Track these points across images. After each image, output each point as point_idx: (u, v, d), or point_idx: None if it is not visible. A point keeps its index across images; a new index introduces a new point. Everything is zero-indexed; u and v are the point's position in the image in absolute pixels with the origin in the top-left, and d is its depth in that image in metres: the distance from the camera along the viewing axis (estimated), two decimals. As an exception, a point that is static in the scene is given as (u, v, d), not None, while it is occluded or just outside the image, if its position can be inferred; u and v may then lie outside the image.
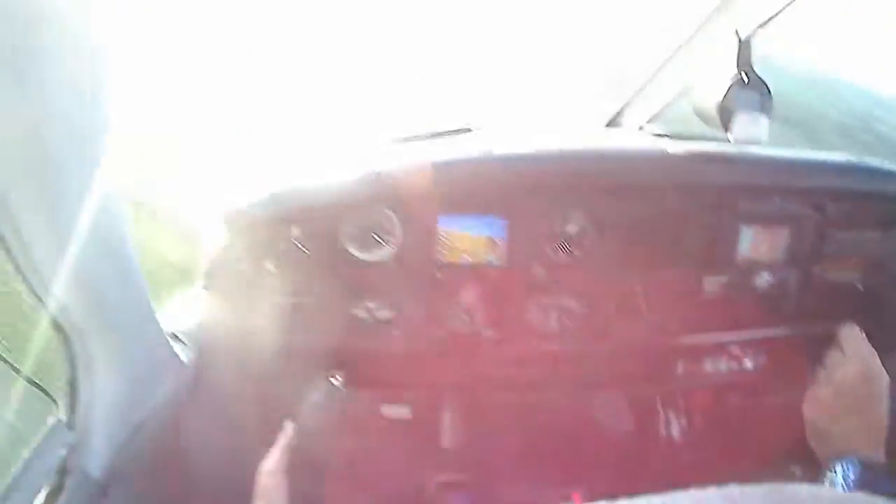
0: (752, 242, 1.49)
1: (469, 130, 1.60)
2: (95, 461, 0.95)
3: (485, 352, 1.46)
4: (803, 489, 0.31)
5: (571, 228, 1.39)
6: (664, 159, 1.37)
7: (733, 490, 0.32)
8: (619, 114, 1.81)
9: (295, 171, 1.35)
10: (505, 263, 1.37)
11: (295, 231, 1.27)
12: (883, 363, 1.13)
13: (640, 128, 1.73)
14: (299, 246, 1.27)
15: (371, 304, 1.37)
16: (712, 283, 1.50)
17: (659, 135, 1.56)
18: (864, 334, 1.10)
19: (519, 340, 1.46)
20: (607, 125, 1.87)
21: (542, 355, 1.49)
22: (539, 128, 1.70)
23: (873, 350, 1.07)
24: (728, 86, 1.26)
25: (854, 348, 1.06)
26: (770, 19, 1.27)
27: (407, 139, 1.52)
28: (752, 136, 1.27)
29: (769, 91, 1.30)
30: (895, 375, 1.20)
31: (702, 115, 1.35)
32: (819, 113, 6.01)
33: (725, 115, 1.27)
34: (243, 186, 1.34)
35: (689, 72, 1.47)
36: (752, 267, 1.51)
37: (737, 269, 1.50)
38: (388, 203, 1.28)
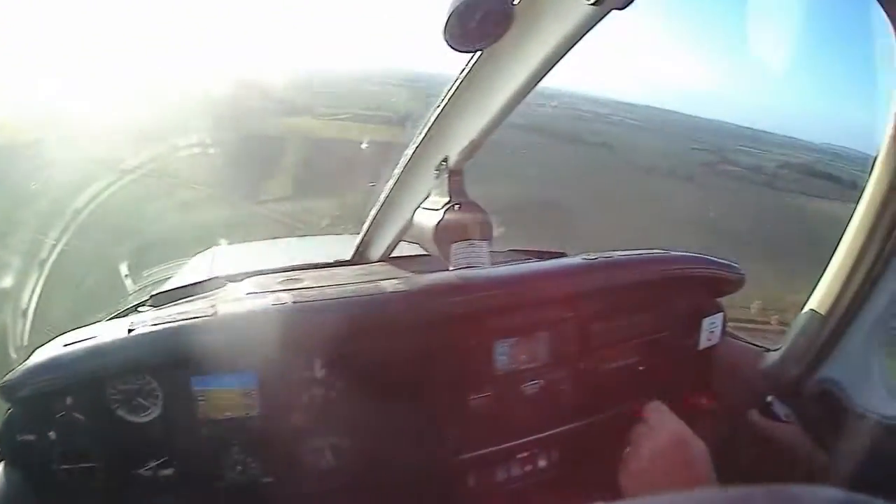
0: (510, 354, 1.50)
1: (218, 282, 1.65)
2: None
3: (266, 498, 1.40)
4: (803, 489, 0.31)
5: (320, 372, 1.36)
6: (382, 302, 1.38)
7: (733, 490, 0.33)
8: (360, 248, 1.84)
9: (59, 343, 1.35)
10: (262, 413, 1.34)
11: (69, 400, 1.27)
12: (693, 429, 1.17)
13: (380, 259, 1.74)
14: (75, 414, 1.28)
15: (152, 463, 1.33)
16: (478, 400, 1.48)
17: (399, 265, 1.57)
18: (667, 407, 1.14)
19: (297, 483, 1.41)
20: (351, 261, 1.89)
21: (322, 493, 1.43)
22: (278, 279, 1.70)
23: (680, 420, 1.11)
24: (442, 215, 1.28)
25: (659, 420, 1.09)
26: (476, 147, 1.34)
27: (165, 298, 1.58)
28: (472, 261, 1.30)
29: (486, 217, 1.35)
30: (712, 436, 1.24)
31: (423, 246, 1.36)
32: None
33: (442, 245, 1.28)
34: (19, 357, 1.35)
35: (411, 204, 1.50)
36: (516, 376, 1.51)
37: (498, 383, 1.49)
38: (145, 368, 1.29)
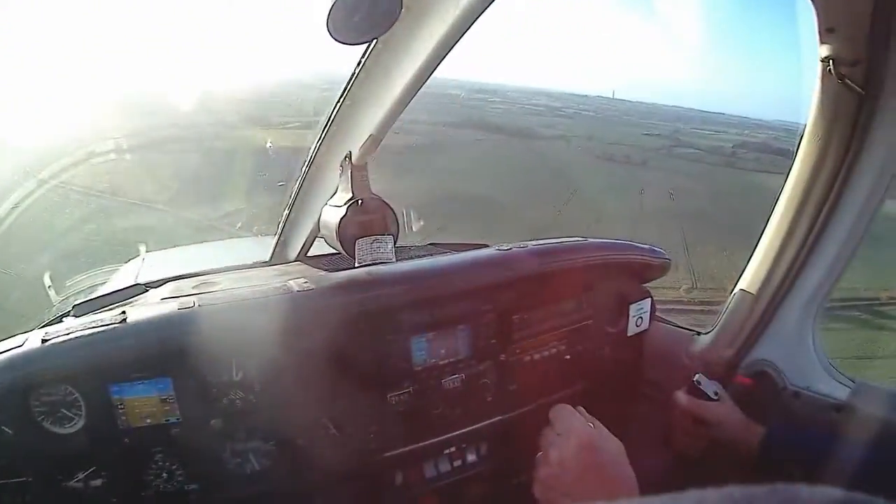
0: (428, 349, 1.49)
1: (139, 288, 1.63)
2: None
3: None
4: (803, 489, 0.30)
5: (237, 375, 1.34)
6: (288, 303, 1.36)
7: (734, 490, 0.31)
8: (278, 247, 1.82)
9: None
10: (182, 419, 1.33)
11: None
12: (623, 417, 1.14)
13: (297, 258, 1.72)
14: (3, 428, 1.26)
15: (81, 475, 1.32)
16: (398, 396, 1.47)
17: (314, 264, 1.54)
18: (579, 407, 1.12)
19: (222, 488, 1.39)
20: (269, 261, 1.87)
21: (248, 498, 1.42)
22: (194, 283, 1.67)
23: (591, 421, 1.09)
24: (345, 212, 1.26)
25: (567, 425, 1.06)
26: (377, 141, 1.32)
27: (86, 308, 1.54)
28: (378, 256, 1.28)
29: (391, 210, 1.33)
30: (640, 427, 1.22)
31: (329, 243, 1.33)
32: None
33: (346, 242, 1.26)
34: None
35: (320, 200, 1.48)
36: (436, 371, 1.51)
37: (418, 378, 1.49)
38: (63, 378, 1.27)
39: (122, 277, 2.22)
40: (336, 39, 1.02)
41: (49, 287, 2.52)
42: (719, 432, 1.44)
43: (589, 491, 0.99)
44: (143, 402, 1.32)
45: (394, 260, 1.30)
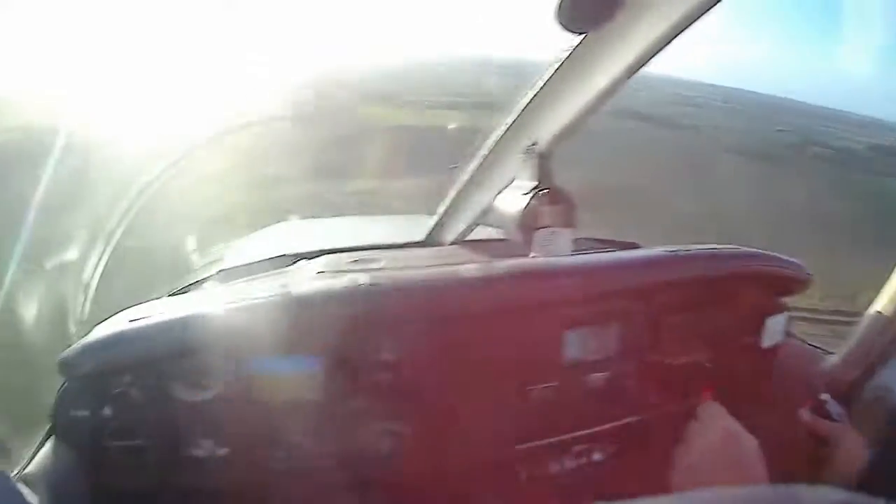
0: (578, 344, 1.48)
1: (287, 259, 1.64)
2: None
3: (321, 483, 1.40)
4: (804, 489, 0.32)
5: (387, 358, 1.35)
6: (459, 287, 1.36)
7: (734, 490, 0.34)
8: (434, 229, 1.82)
9: (122, 319, 1.36)
10: (324, 397, 1.34)
11: (126, 378, 1.27)
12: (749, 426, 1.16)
13: (454, 242, 1.74)
14: (132, 391, 1.28)
15: (207, 443, 1.33)
16: (542, 391, 1.46)
17: (482, 242, 1.55)
18: (722, 407, 1.14)
19: (352, 470, 1.40)
20: (424, 242, 1.88)
21: (378, 481, 1.43)
22: (348, 259, 1.69)
23: (732, 418, 1.11)
24: (527, 200, 1.26)
25: (712, 419, 1.10)
26: (569, 132, 1.30)
27: (229, 273, 1.56)
28: (554, 250, 1.27)
29: (572, 203, 1.31)
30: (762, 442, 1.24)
31: (504, 231, 1.34)
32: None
33: (526, 232, 1.26)
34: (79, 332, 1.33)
35: (493, 187, 1.48)
36: (583, 367, 1.50)
37: (565, 374, 1.48)
38: (208, 348, 1.27)
39: (263, 246, 2.26)
40: (564, 27, 1.01)
41: (192, 251, 2.65)
42: (835, 454, 1.38)
43: (724, 483, 0.98)
44: (287, 377, 1.33)
45: (569, 254, 1.28)
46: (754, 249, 1.69)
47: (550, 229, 1.26)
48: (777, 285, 1.67)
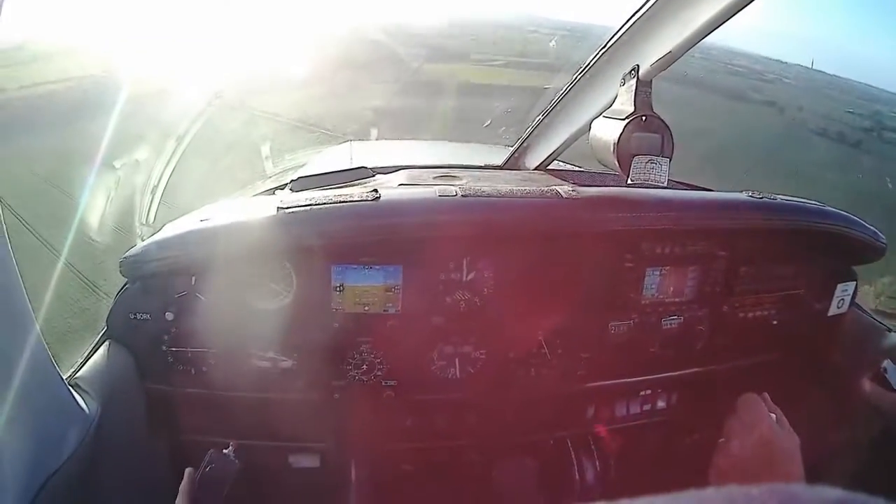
0: (658, 284, 1.46)
1: (367, 172, 1.58)
2: None
3: (386, 401, 1.39)
4: (804, 489, 0.31)
5: (469, 275, 1.34)
6: (557, 207, 1.31)
7: (734, 490, 0.33)
8: (516, 153, 1.77)
9: (191, 219, 1.29)
10: (401, 311, 1.32)
11: (193, 280, 1.24)
12: (802, 395, 1.14)
13: (538, 167, 1.68)
14: (198, 295, 1.24)
15: (272, 353, 1.31)
16: (618, 327, 1.46)
17: (561, 172, 1.51)
18: (763, 400, 1.13)
19: (421, 389, 1.40)
20: (503, 166, 1.82)
21: (445, 403, 1.43)
22: (434, 174, 1.65)
23: (773, 414, 1.10)
24: (625, 127, 1.22)
25: (752, 417, 1.10)
26: (671, 60, 1.24)
27: (304, 184, 1.48)
28: (651, 178, 1.23)
29: (670, 132, 1.26)
30: (818, 410, 1.23)
31: (599, 157, 1.30)
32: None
33: (623, 158, 1.22)
34: (146, 235, 1.31)
35: (587, 112, 1.43)
36: (660, 308, 1.47)
37: (643, 312, 1.46)
38: (284, 253, 1.24)
39: (334, 160, 2.19)
40: None
41: (266, 157, 2.57)
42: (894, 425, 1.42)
43: (764, 482, 0.97)
44: (366, 288, 1.28)
45: (665, 184, 1.24)
46: (837, 209, 1.62)
47: (648, 157, 1.22)
48: (853, 249, 1.61)
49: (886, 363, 1.48)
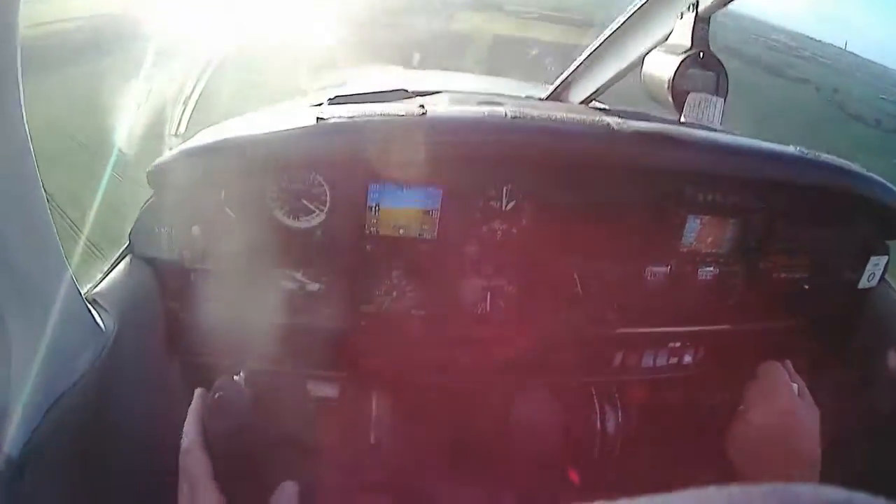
0: (698, 232, 1.43)
1: (406, 94, 1.50)
2: (12, 439, 0.85)
3: (413, 331, 1.37)
4: (805, 488, 0.31)
5: (508, 204, 1.30)
6: (608, 137, 1.27)
7: (734, 489, 0.32)
8: (560, 88, 1.71)
9: (224, 129, 1.24)
10: (437, 237, 1.28)
11: (223, 193, 1.18)
12: (826, 367, 1.13)
13: (582, 102, 1.64)
14: (226, 210, 1.18)
15: (299, 275, 1.27)
16: (654, 273, 1.43)
17: (603, 110, 1.46)
18: (786, 369, 1.13)
19: (449, 321, 1.37)
20: (547, 97, 1.77)
21: (472, 337, 1.41)
22: (478, 98, 1.57)
23: (795, 385, 1.10)
24: (681, 63, 1.18)
25: (772, 386, 1.10)
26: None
27: (341, 100, 1.41)
28: (706, 118, 1.19)
29: (725, 71, 1.22)
30: (840, 384, 1.22)
31: (652, 94, 1.26)
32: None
33: (678, 95, 1.19)
34: (173, 145, 1.24)
35: (639, 47, 1.38)
36: (697, 258, 1.44)
37: (680, 260, 1.43)
38: (317, 168, 1.18)
39: (379, 82, 2.06)
40: None
41: (304, 76, 2.53)
42: None
43: (775, 458, 1.02)
44: (403, 211, 1.23)
45: (719, 126, 1.20)
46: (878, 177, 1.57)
47: (702, 94, 1.18)
48: (890, 220, 1.56)
49: None
